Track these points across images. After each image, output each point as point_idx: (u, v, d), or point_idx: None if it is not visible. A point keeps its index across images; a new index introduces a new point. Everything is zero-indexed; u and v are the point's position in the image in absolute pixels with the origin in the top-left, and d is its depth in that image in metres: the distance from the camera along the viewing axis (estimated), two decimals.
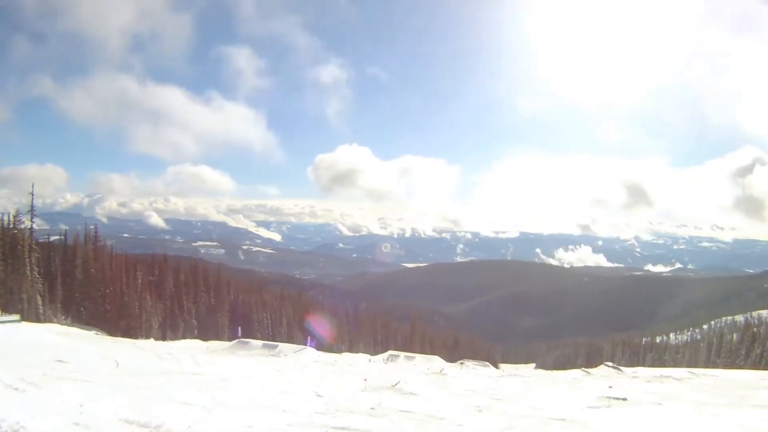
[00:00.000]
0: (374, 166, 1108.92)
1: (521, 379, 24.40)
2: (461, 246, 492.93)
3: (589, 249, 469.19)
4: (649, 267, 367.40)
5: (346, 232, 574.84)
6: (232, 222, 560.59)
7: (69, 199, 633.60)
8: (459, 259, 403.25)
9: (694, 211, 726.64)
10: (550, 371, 47.69)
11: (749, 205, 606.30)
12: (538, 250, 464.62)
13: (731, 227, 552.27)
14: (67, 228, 41.11)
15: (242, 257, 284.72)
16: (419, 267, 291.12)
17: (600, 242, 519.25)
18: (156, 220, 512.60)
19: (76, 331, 28.01)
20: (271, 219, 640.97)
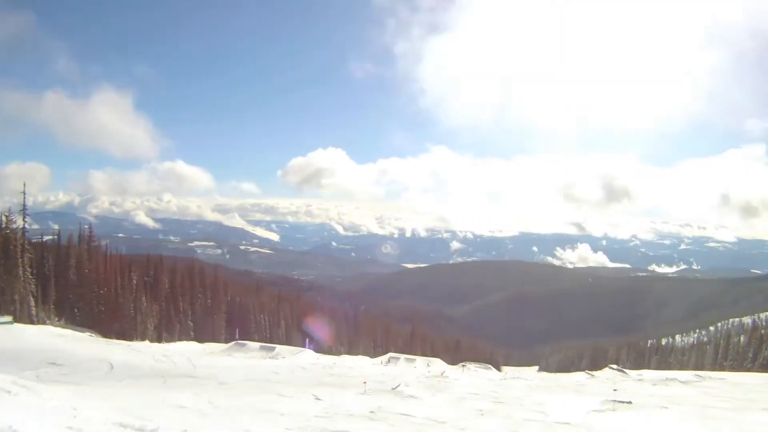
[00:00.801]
0: (350, 168, 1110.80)
1: (524, 383, 24.42)
2: (461, 246, 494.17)
3: (589, 248, 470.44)
4: (654, 267, 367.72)
5: (344, 231, 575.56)
6: (228, 221, 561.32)
7: (61, 198, 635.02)
8: (458, 259, 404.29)
9: (680, 209, 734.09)
10: (553, 374, 47.69)
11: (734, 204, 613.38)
12: (535, 248, 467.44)
13: (735, 227, 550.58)
14: (58, 227, 41.12)
15: (239, 257, 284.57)
16: (420, 267, 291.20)
17: (604, 242, 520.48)
18: (150, 220, 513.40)
19: (69, 333, 28.00)
20: (267, 218, 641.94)
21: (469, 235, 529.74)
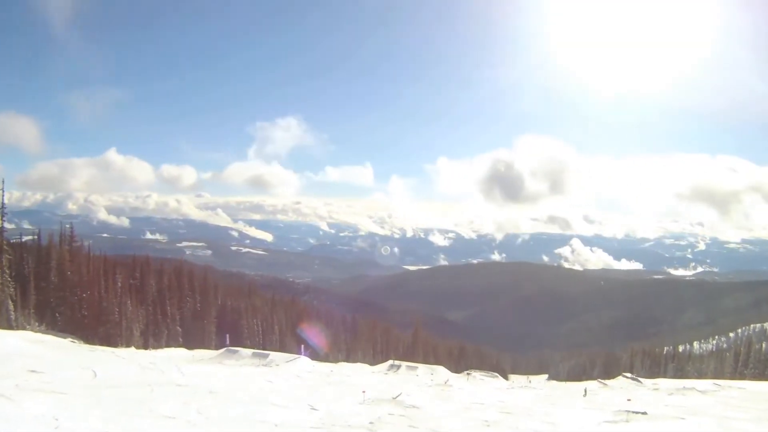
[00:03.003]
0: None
1: (533, 392, 24.45)
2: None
3: (587, 248, 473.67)
4: (665, 268, 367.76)
5: (341, 232, 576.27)
6: (212, 219, 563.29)
7: (38, 196, 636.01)
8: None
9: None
10: (563, 383, 47.72)
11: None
12: (525, 247, 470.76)
13: (749, 228, 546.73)
14: (38, 229, 40.91)
15: (231, 259, 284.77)
16: (422, 270, 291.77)
17: (615, 243, 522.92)
18: (134, 218, 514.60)
19: (50, 339, 27.97)
20: (256, 217, 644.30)
21: (475, 237, 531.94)
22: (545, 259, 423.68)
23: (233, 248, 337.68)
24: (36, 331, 29.86)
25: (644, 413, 13.71)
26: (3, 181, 31.45)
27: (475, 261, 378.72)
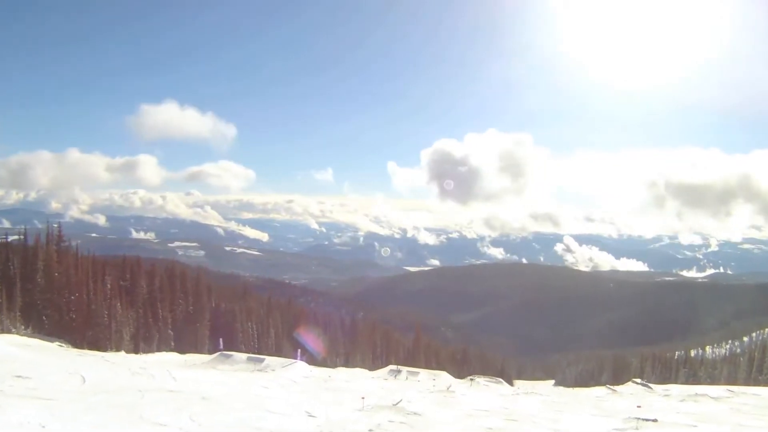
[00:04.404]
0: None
1: (539, 398, 24.44)
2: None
3: (589, 248, 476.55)
4: (675, 269, 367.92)
5: (339, 231, 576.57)
6: (199, 217, 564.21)
7: (19, 195, 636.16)
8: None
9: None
10: (571, 388, 47.71)
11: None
12: (521, 247, 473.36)
13: (755, 227, 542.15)
14: (11, 226, 41.05)
15: (225, 259, 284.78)
16: (423, 271, 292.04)
17: (616, 242, 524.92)
18: (124, 217, 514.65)
19: (37, 343, 28.03)
20: (249, 215, 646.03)
21: (475, 237, 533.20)
22: (541, 258, 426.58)
23: (227, 249, 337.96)
24: (22, 335, 29.89)
25: (655, 420, 13.71)
26: None
27: (477, 261, 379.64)
